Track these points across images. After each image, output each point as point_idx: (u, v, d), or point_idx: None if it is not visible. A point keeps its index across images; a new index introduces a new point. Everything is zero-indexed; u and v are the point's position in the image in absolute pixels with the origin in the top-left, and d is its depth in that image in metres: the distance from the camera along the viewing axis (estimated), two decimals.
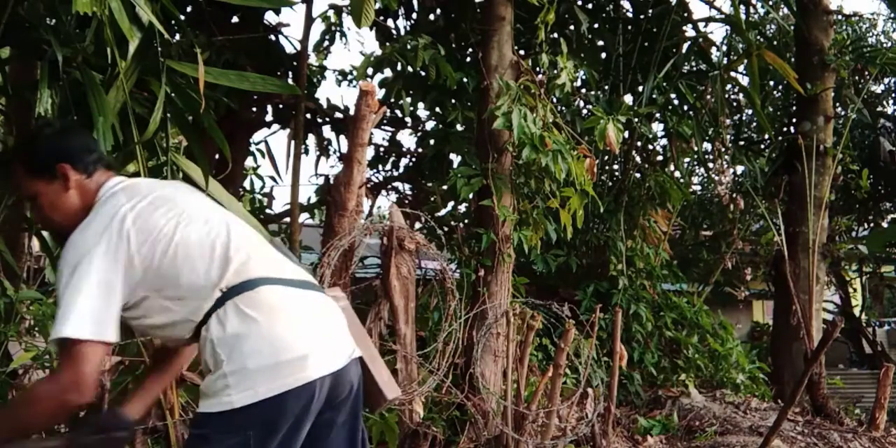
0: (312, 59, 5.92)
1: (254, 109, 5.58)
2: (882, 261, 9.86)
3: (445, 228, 5.44)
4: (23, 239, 3.66)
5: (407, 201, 6.13)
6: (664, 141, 6.92)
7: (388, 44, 4.90)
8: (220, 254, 1.73)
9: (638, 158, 6.69)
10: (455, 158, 5.48)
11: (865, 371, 9.71)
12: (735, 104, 8.42)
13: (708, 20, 7.05)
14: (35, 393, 1.68)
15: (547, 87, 4.61)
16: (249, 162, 6.04)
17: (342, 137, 6.02)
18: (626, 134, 5.90)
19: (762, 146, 8.50)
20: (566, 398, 4.04)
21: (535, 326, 3.88)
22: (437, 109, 5.50)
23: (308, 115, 5.62)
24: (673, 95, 6.29)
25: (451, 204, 5.58)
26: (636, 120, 5.83)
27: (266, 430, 1.64)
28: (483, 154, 4.53)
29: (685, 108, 6.35)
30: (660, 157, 6.98)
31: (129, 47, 2.67)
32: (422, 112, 6.01)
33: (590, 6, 6.16)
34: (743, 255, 8.64)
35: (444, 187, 5.31)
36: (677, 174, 6.94)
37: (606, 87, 6.38)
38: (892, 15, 9.60)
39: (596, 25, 6.08)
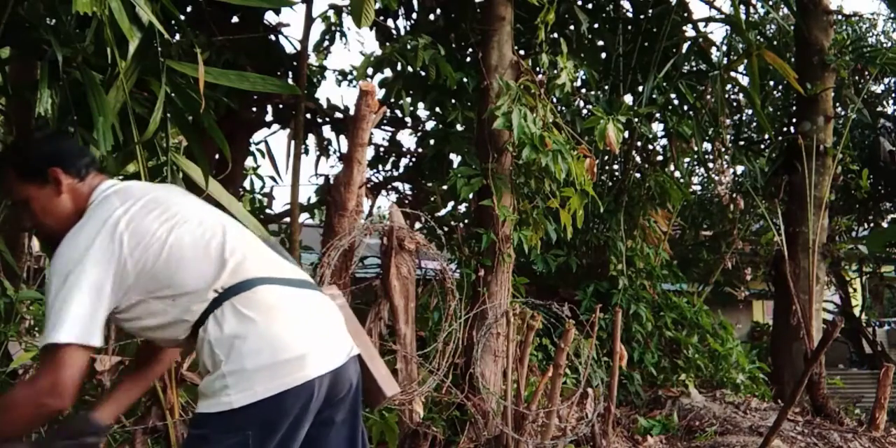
0: (312, 59, 5.92)
1: (254, 109, 5.58)
2: (882, 261, 9.86)
3: (445, 228, 5.44)
4: (23, 239, 3.66)
5: (407, 201, 6.13)
6: (664, 141, 6.92)
7: (388, 44, 4.90)
8: (215, 255, 1.73)
9: (638, 158, 6.69)
10: (455, 158, 5.48)
11: (865, 371, 9.72)
12: (735, 104, 8.42)
13: (708, 20, 7.05)
14: (13, 398, 1.67)
15: (547, 87, 4.61)
16: (249, 162, 6.04)
17: (342, 137, 6.02)
18: (626, 134, 5.90)
19: (762, 146, 8.49)
20: (566, 398, 4.04)
21: (535, 326, 3.88)
22: (437, 109, 5.49)
23: (308, 115, 5.61)
24: (673, 95, 6.28)
25: (451, 204, 5.58)
26: (636, 120, 5.83)
27: (265, 430, 1.64)
28: (483, 154, 4.53)
29: (685, 108, 6.34)
30: (660, 157, 6.98)
31: (129, 47, 2.67)
32: (422, 112, 6.02)
33: (590, 6, 6.16)
34: (743, 255, 8.64)
35: (444, 187, 5.30)
36: (677, 174, 6.94)
37: (606, 87, 6.38)
38: (892, 15, 9.60)
39: (596, 25, 6.08)
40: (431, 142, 5.55)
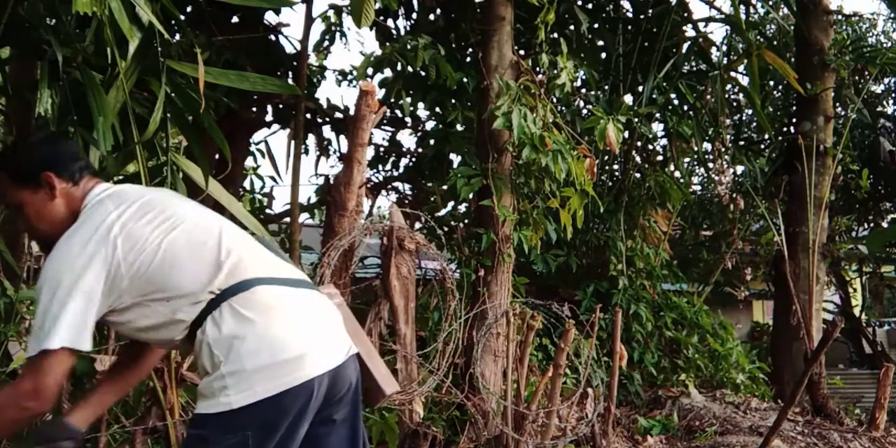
0: (312, 59, 5.92)
1: (254, 109, 5.58)
2: (882, 261, 9.87)
3: (445, 228, 5.44)
4: (23, 239, 3.66)
5: (407, 201, 6.13)
6: (664, 141, 6.92)
7: (388, 44, 4.90)
8: (211, 256, 1.73)
9: (638, 158, 6.70)
10: (455, 158, 5.48)
11: (865, 371, 9.72)
12: (735, 104, 8.42)
13: (708, 20, 7.05)
14: None
15: (547, 87, 4.61)
16: (249, 162, 6.05)
17: (342, 137, 6.02)
18: (626, 134, 5.90)
19: (762, 146, 8.49)
20: (566, 398, 4.04)
21: (535, 326, 3.88)
22: (437, 109, 5.50)
23: (308, 115, 5.62)
24: (673, 95, 6.28)
25: (451, 204, 5.58)
26: (636, 120, 5.83)
27: (265, 430, 1.65)
28: (483, 154, 4.53)
29: (685, 108, 6.34)
30: (660, 157, 6.99)
31: (129, 47, 2.67)
32: (422, 112, 6.03)
33: (590, 6, 6.16)
34: (743, 255, 8.64)
35: (444, 187, 5.31)
36: (677, 174, 6.94)
37: (606, 87, 6.38)
38: (892, 15, 9.60)
39: (596, 25, 6.08)
40: (431, 142, 5.55)
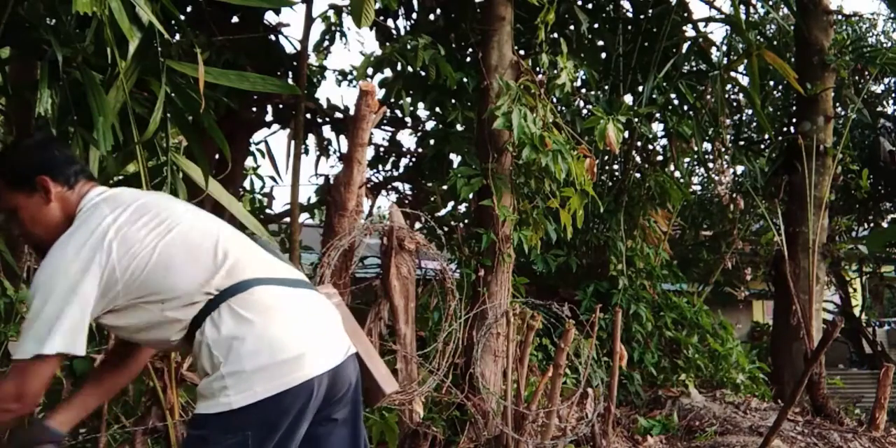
0: (312, 59, 5.92)
1: (254, 109, 5.58)
2: (882, 261, 9.87)
3: (445, 228, 5.44)
4: None
5: (407, 201, 6.13)
6: (664, 141, 6.92)
7: (388, 44, 4.89)
8: (208, 258, 1.72)
9: (638, 158, 6.70)
10: (455, 158, 5.48)
11: (865, 371, 9.72)
12: (735, 104, 8.42)
13: (708, 20, 7.05)
14: None
15: (547, 87, 4.61)
16: (249, 162, 6.04)
17: (342, 137, 6.02)
18: (626, 134, 5.90)
19: (762, 146, 8.50)
20: (566, 398, 4.04)
21: (535, 326, 3.88)
22: (437, 109, 5.50)
23: (308, 115, 5.62)
24: (673, 95, 6.28)
25: (451, 204, 5.58)
26: (636, 120, 5.83)
27: (264, 430, 1.65)
28: (483, 154, 4.53)
29: (685, 108, 6.34)
30: (660, 157, 6.99)
31: (129, 47, 2.67)
32: (422, 112, 6.03)
33: (590, 6, 6.16)
34: (743, 255, 8.64)
35: (444, 187, 5.31)
36: (677, 174, 6.94)
37: (606, 87, 6.38)
38: (892, 15, 9.60)
39: (596, 25, 6.08)
40: (431, 142, 5.55)
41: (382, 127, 6.14)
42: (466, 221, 5.33)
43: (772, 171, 7.34)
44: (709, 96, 6.19)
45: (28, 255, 3.61)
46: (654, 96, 5.96)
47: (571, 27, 5.78)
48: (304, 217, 6.15)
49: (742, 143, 8.15)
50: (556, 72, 4.67)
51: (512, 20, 4.78)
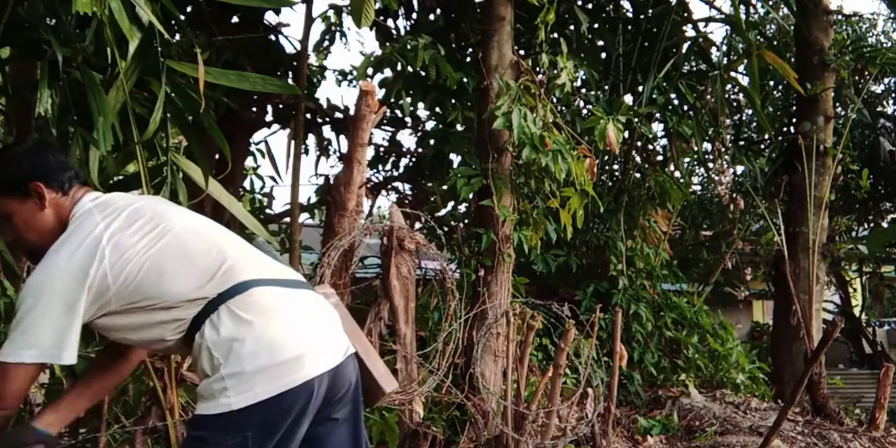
0: (312, 59, 5.92)
1: (254, 109, 5.58)
2: (882, 261, 9.86)
3: (445, 228, 5.44)
4: None
5: (407, 201, 6.13)
6: (664, 141, 6.92)
7: (388, 44, 4.89)
8: (205, 261, 1.72)
9: (638, 158, 6.70)
10: (455, 158, 5.48)
11: (865, 371, 9.72)
12: (735, 104, 8.42)
13: (708, 20, 7.05)
14: None
15: (547, 87, 4.61)
16: (249, 162, 6.04)
17: (342, 137, 6.02)
18: (626, 134, 5.90)
19: (762, 146, 8.49)
20: (566, 398, 4.04)
21: (535, 326, 3.88)
22: (437, 109, 5.49)
23: (308, 115, 5.61)
24: (673, 95, 6.28)
25: (451, 204, 5.58)
26: (636, 120, 5.82)
27: (264, 431, 1.65)
28: (483, 154, 4.53)
29: (685, 108, 6.34)
30: (660, 157, 6.98)
31: (129, 47, 2.66)
32: (422, 112, 6.02)
33: (590, 6, 6.16)
34: (743, 255, 8.64)
35: (444, 187, 5.30)
36: (677, 174, 6.94)
37: (606, 87, 6.38)
38: (892, 15, 9.60)
39: (596, 25, 6.08)
40: (431, 142, 5.55)
41: (382, 127, 6.14)
42: (466, 221, 5.33)
43: (772, 171, 7.34)
44: (709, 96, 6.18)
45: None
46: (654, 96, 5.96)
47: (571, 27, 5.78)
48: (304, 217, 6.16)
49: (742, 143, 8.15)
50: (556, 72, 4.67)
51: (512, 20, 4.78)
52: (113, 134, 2.71)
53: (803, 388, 4.71)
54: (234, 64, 4.53)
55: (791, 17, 7.54)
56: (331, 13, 5.64)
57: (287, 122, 5.68)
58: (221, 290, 1.69)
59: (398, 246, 3.80)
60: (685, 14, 6.34)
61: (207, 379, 1.66)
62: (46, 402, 3.01)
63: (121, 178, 3.17)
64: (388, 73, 4.91)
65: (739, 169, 8.20)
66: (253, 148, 5.91)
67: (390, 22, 5.76)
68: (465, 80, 4.82)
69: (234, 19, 5.04)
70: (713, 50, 6.86)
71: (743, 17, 6.42)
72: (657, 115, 6.33)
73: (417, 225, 5.58)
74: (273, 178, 6.64)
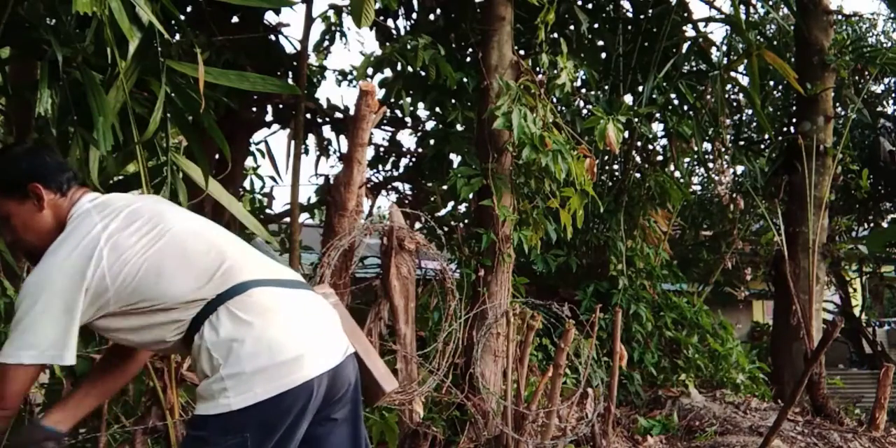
0: (312, 59, 5.92)
1: (254, 109, 5.58)
2: (882, 261, 9.86)
3: (445, 228, 5.44)
4: None
5: (407, 201, 6.13)
6: (664, 141, 6.92)
7: (388, 44, 4.89)
8: (204, 262, 1.72)
9: (638, 158, 6.70)
10: (455, 158, 5.48)
11: (865, 371, 9.72)
12: (735, 104, 8.42)
13: (708, 20, 7.05)
14: None
15: (547, 87, 4.61)
16: (249, 162, 6.04)
17: (342, 137, 6.02)
18: (626, 134, 5.90)
19: (762, 146, 8.50)
20: (566, 398, 4.04)
21: (535, 326, 3.88)
22: (437, 109, 5.49)
23: (308, 115, 5.61)
24: (673, 95, 6.28)
25: (451, 204, 5.58)
26: (636, 120, 5.82)
27: (264, 431, 1.65)
28: (483, 154, 4.53)
29: (685, 108, 6.34)
30: (660, 157, 6.98)
31: (129, 47, 2.67)
32: (422, 112, 6.02)
33: (590, 6, 6.16)
34: (743, 255, 8.64)
35: (444, 187, 5.30)
36: (677, 174, 6.94)
37: (606, 87, 6.38)
38: (892, 15, 9.60)
39: (596, 25, 6.08)
40: (431, 142, 5.55)
41: (382, 127, 6.14)
42: (466, 221, 5.33)
43: (772, 171, 7.34)
44: (709, 96, 6.19)
45: None
46: (654, 96, 5.96)
47: (571, 27, 5.78)
48: (304, 217, 6.16)
49: (742, 143, 8.15)
50: (556, 72, 4.67)
51: (512, 20, 4.78)
52: (113, 134, 2.71)
53: (803, 388, 4.71)
54: (234, 64, 4.53)
55: (791, 17, 7.54)
56: (331, 13, 5.64)
57: (287, 122, 5.68)
58: (220, 291, 1.69)
59: (398, 246, 3.80)
60: (685, 14, 6.34)
61: (207, 379, 1.66)
62: (46, 402, 3.02)
63: (121, 178, 3.18)
64: (388, 73, 4.92)
65: (739, 169, 8.21)
66: (253, 148, 5.91)
67: (390, 22, 5.76)
68: (465, 80, 4.82)
69: (234, 19, 5.04)
70: (713, 50, 6.87)
71: (743, 17, 6.42)
72: (657, 115, 6.32)
73: (417, 225, 5.58)
74: (273, 178, 6.65)
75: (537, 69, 4.79)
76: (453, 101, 5.36)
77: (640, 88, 6.08)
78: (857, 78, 7.78)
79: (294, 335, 1.71)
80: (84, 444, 2.97)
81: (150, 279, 1.67)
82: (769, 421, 4.96)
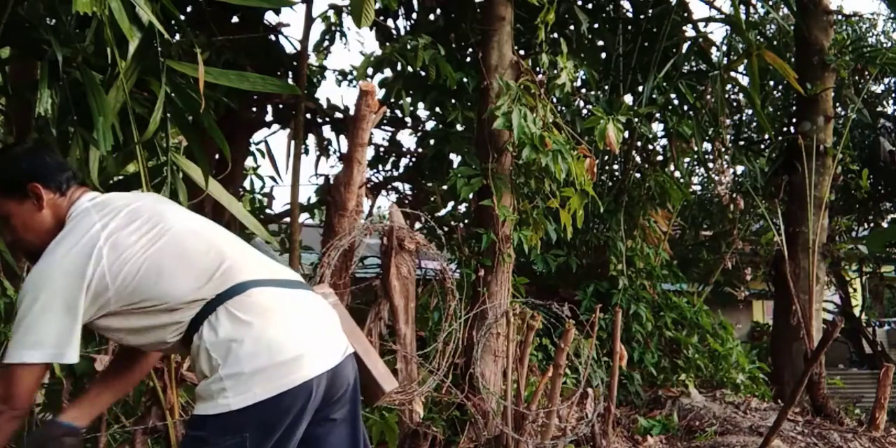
0: (312, 59, 5.92)
1: (254, 109, 5.58)
2: (882, 261, 9.86)
3: (445, 228, 5.44)
4: None
5: (407, 201, 6.13)
6: (664, 141, 6.92)
7: (388, 44, 4.89)
8: (203, 261, 1.72)
9: (638, 158, 6.70)
10: (455, 158, 5.48)
11: (865, 371, 9.72)
12: (735, 104, 8.42)
13: (708, 20, 7.05)
14: None
15: (547, 87, 4.61)
16: (249, 162, 6.04)
17: (342, 137, 6.02)
18: (626, 134, 5.90)
19: (762, 146, 8.50)
20: (566, 398, 4.04)
21: (535, 326, 3.88)
22: (437, 109, 5.49)
23: (308, 115, 5.61)
24: (673, 95, 6.28)
25: (451, 204, 5.58)
26: (636, 120, 5.82)
27: (263, 431, 1.65)
28: (483, 154, 4.53)
29: (685, 108, 6.34)
30: (660, 157, 6.99)
31: (129, 47, 2.67)
32: (422, 112, 6.02)
33: (590, 6, 6.16)
34: (743, 255, 8.64)
35: (444, 187, 5.30)
36: (677, 174, 6.94)
37: (606, 87, 6.38)
38: (892, 15, 9.60)
39: (596, 25, 6.08)
40: (431, 142, 5.55)
41: (382, 127, 6.14)
42: (466, 221, 5.33)
43: (772, 171, 7.34)
44: (709, 96, 6.19)
45: None
46: (654, 96, 5.96)
47: (571, 27, 5.78)
48: (304, 217, 6.16)
49: (742, 143, 8.15)
50: (556, 72, 4.67)
51: (512, 20, 4.78)
52: (113, 134, 2.71)
53: (803, 388, 4.71)
54: (234, 64, 4.53)
55: (791, 17, 7.54)
56: (331, 13, 5.64)
57: (287, 122, 5.68)
58: (220, 291, 1.69)
59: (398, 246, 3.80)
60: (685, 14, 6.34)
61: (206, 380, 1.66)
62: (46, 403, 3.02)
63: (121, 178, 3.18)
64: (388, 73, 4.92)
65: (739, 169, 8.21)
66: (253, 148, 5.92)
67: (390, 22, 5.76)
68: (465, 80, 4.82)
69: (234, 19, 5.04)
70: (713, 50, 6.87)
71: (743, 17, 6.42)
72: (657, 115, 6.33)
73: (417, 225, 5.58)
74: (273, 178, 6.65)
75: (537, 69, 4.79)
76: (453, 101, 5.36)
77: (640, 88, 6.08)
78: (857, 78, 7.78)
79: (293, 335, 1.71)
80: (84, 444, 2.97)
81: (150, 278, 1.67)
82: (769, 421, 4.96)
